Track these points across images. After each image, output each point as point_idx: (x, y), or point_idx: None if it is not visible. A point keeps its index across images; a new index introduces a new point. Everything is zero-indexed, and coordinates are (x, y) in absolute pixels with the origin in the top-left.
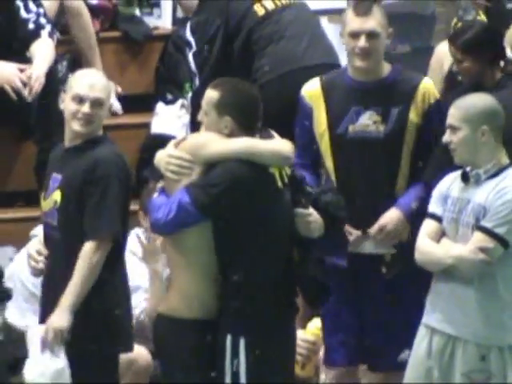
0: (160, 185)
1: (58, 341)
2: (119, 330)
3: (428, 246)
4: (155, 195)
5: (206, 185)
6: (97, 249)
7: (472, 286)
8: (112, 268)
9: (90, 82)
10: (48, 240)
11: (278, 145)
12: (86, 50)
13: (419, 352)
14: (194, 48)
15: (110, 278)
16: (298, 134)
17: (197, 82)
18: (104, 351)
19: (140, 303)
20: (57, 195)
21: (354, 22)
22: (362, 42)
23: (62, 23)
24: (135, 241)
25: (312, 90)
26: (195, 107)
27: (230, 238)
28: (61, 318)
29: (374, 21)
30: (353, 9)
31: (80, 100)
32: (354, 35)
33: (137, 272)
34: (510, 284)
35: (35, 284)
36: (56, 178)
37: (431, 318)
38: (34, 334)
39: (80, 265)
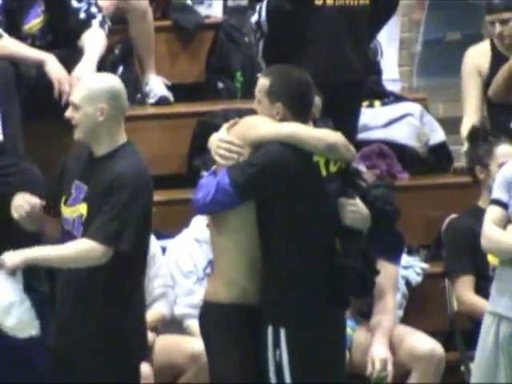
0: (214, 167)
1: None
2: (136, 340)
3: (498, 235)
4: (205, 176)
5: (245, 165)
6: (92, 250)
7: None
8: (123, 279)
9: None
10: None
11: (325, 133)
12: (144, 54)
13: (487, 340)
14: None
15: (122, 289)
16: None
17: None
18: (123, 363)
19: (185, 308)
20: (83, 208)
21: None
22: None
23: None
24: (198, 228)
25: None
26: None
27: (269, 221)
28: (16, 257)
29: None
30: None
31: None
32: None
33: (194, 258)
34: None
35: None
36: (80, 187)
37: (498, 305)
38: None
39: (69, 247)
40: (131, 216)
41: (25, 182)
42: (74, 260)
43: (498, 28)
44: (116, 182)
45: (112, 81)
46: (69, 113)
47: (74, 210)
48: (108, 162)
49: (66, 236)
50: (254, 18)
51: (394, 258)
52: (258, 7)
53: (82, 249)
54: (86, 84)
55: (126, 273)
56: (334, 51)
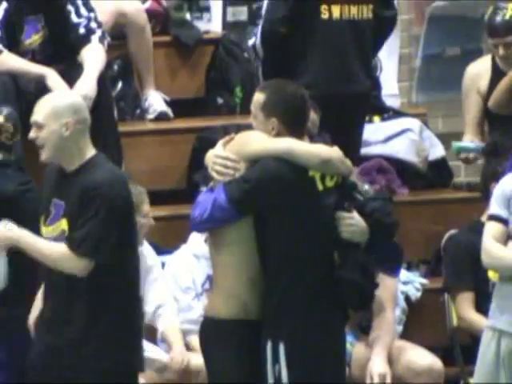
0: (211, 183)
1: None
2: (132, 349)
3: (500, 251)
4: (203, 192)
5: (241, 180)
6: (72, 261)
7: None
8: (112, 289)
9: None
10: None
11: (320, 149)
12: (143, 69)
13: (487, 354)
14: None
15: (111, 299)
16: None
17: None
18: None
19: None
20: (64, 224)
21: None
22: None
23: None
24: (196, 243)
25: None
26: None
27: (266, 236)
28: (9, 232)
29: None
30: None
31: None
32: None
33: (193, 273)
34: None
35: None
36: (59, 204)
37: (499, 320)
38: None
39: (52, 247)
40: (109, 228)
41: (35, 198)
42: (53, 263)
43: (501, 51)
44: (91, 192)
45: (72, 96)
46: (32, 133)
47: (55, 228)
48: (81, 175)
49: None
50: (251, 41)
51: (393, 269)
52: (255, 30)
53: (62, 257)
54: (47, 102)
55: (113, 283)
56: (341, 64)
